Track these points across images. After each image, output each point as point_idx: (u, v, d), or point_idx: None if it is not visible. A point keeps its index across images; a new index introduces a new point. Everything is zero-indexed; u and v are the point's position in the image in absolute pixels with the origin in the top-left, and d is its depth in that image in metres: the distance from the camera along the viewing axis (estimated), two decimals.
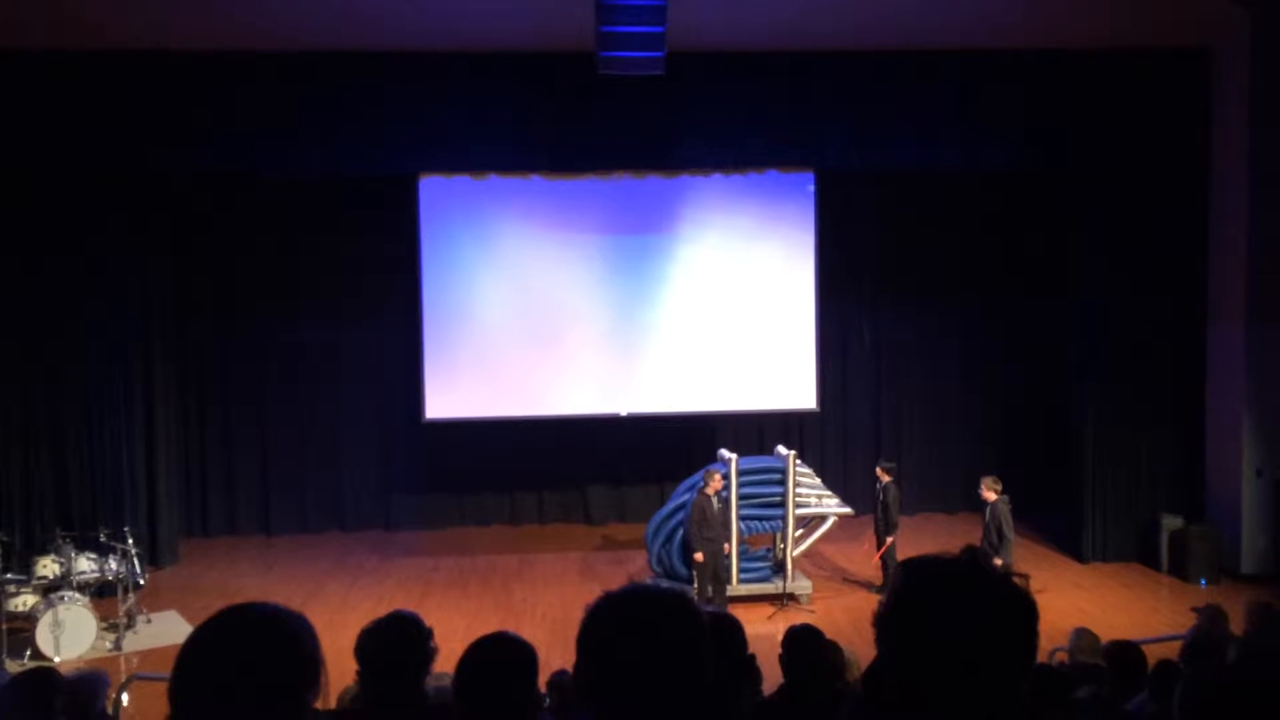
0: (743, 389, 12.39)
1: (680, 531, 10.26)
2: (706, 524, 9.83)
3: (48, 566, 9.40)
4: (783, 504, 10.49)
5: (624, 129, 11.28)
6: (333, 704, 4.36)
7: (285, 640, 1.73)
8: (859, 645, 6.61)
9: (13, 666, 8.15)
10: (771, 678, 4.41)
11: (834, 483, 11.88)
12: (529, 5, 10.06)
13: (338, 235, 13.06)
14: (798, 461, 10.65)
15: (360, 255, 13.09)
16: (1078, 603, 10.41)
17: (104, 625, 9.46)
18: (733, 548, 10.26)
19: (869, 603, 9.84)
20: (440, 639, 3.39)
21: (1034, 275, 13.62)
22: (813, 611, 10.09)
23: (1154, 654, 5.54)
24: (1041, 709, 4.25)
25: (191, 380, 13.15)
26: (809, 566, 11.36)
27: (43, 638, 8.89)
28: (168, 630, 9.69)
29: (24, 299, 11.17)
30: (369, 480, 13.54)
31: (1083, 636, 6.28)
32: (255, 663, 1.68)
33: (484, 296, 12.21)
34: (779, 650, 4.27)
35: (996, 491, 9.79)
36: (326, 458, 13.45)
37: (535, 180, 12.08)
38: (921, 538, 12.09)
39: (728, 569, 10.23)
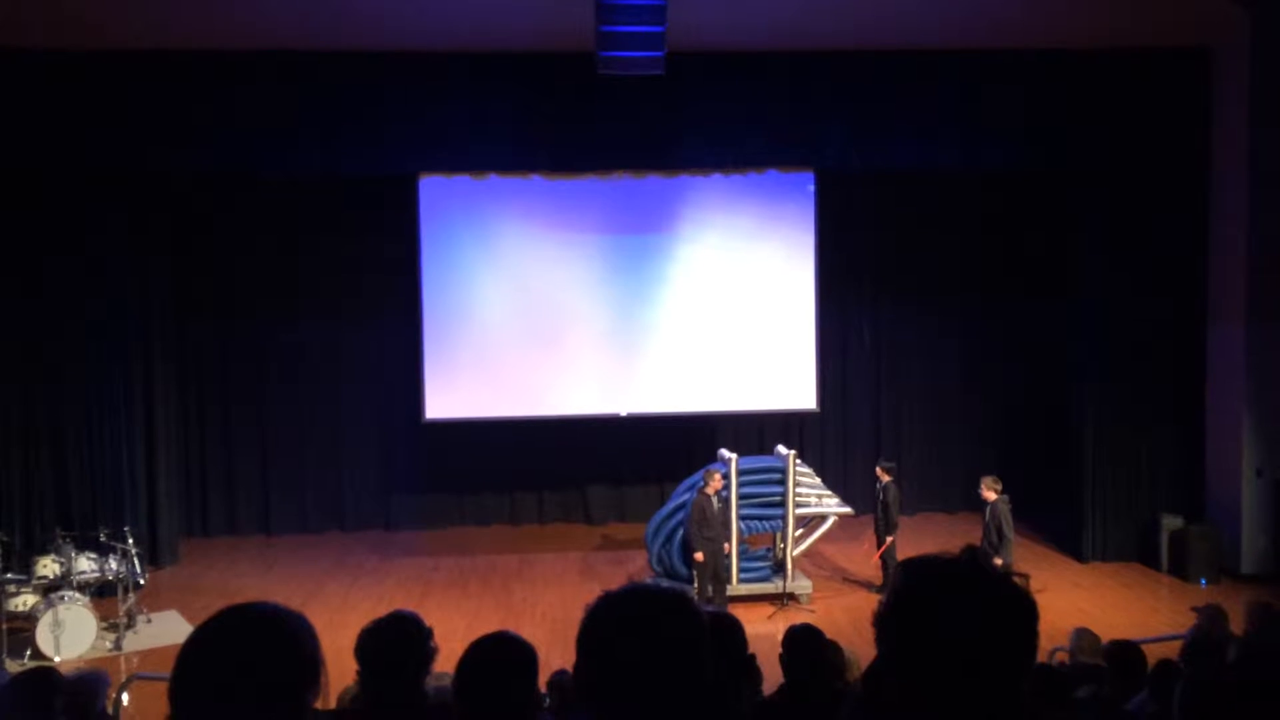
0: (743, 389, 12.39)
1: (680, 531, 10.26)
2: (706, 524, 9.83)
3: (48, 566, 9.40)
4: (783, 504, 10.49)
5: (624, 129, 11.28)
6: (333, 704, 4.36)
7: (285, 640, 1.73)
8: (859, 645, 6.61)
9: (13, 666, 8.15)
10: (771, 677, 4.41)
11: (834, 482, 11.88)
12: (529, 5, 10.06)
13: (338, 235, 13.06)
14: (798, 461, 10.65)
15: (360, 255, 13.09)
16: (1078, 602, 10.41)
17: (104, 625, 9.46)
18: (733, 547, 10.26)
19: (869, 602, 9.84)
20: (440, 639, 3.39)
21: (1034, 275, 13.62)
22: (813, 611, 10.09)
23: (1154, 654, 5.54)
24: (1041, 709, 4.25)
25: (191, 380, 13.15)
26: (809, 566, 11.36)
27: (43, 637, 8.89)
28: (168, 630, 9.69)
29: (24, 299, 11.17)
30: (369, 480, 13.54)
31: (1083, 637, 6.28)
32: (255, 663, 1.68)
33: (484, 296, 12.21)
34: (779, 650, 4.27)
35: (996, 491, 9.79)
36: (326, 458, 13.45)
37: (535, 180, 12.08)
38: (921, 537, 12.08)
39: (728, 569, 10.23)
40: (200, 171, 11.63)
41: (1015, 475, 11.40)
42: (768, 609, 10.16)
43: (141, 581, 10.27)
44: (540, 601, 10.58)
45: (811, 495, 10.79)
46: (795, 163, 12.01)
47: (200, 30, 10.45)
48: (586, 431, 12.85)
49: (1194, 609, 7.43)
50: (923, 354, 13.99)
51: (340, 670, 2.63)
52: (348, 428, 13.44)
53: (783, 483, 10.48)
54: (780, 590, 10.36)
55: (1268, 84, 10.91)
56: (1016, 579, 1.66)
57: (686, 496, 10.31)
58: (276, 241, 13.05)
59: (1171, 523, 11.49)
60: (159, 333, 12.18)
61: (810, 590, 10.58)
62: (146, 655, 9.20)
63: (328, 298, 13.23)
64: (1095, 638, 6.26)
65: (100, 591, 9.88)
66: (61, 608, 8.98)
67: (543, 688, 4.30)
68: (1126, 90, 11.48)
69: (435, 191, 12.05)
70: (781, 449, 10.94)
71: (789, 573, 10.46)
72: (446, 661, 3.13)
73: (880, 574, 10.82)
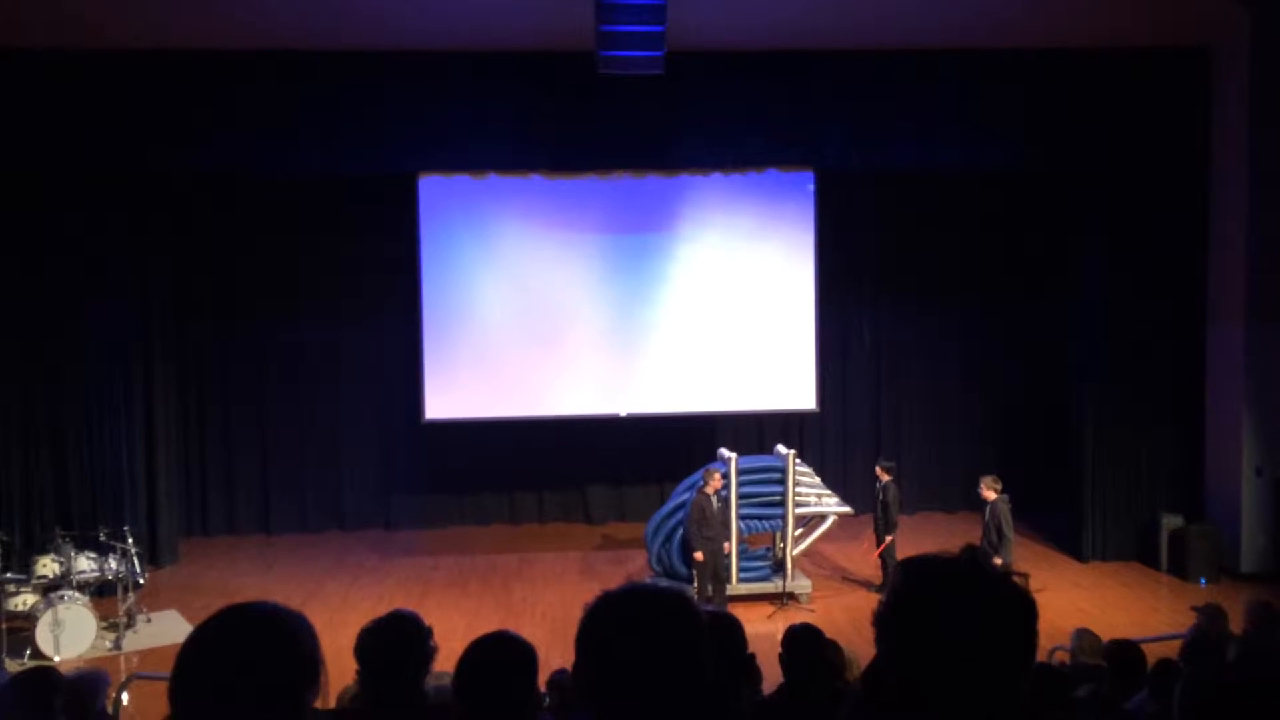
0: (743, 389, 12.39)
1: (680, 531, 10.26)
2: (706, 523, 9.83)
3: (47, 566, 9.40)
4: (782, 503, 10.49)
5: (624, 128, 11.27)
6: (332, 703, 4.36)
7: (285, 640, 1.73)
8: (859, 644, 6.61)
9: (13, 666, 8.15)
10: (771, 677, 4.41)
11: (834, 482, 11.88)
12: (529, 5, 10.06)
13: (338, 235, 13.06)
14: (797, 461, 10.65)
15: (360, 255, 13.09)
16: (1077, 602, 10.42)
17: (104, 624, 9.46)
18: (732, 547, 10.26)
19: (869, 602, 9.84)
20: (440, 638, 3.39)
21: (1034, 275, 13.62)
22: (812, 610, 10.09)
23: (1154, 653, 5.54)
24: (1041, 708, 4.25)
25: (191, 380, 13.15)
26: (809, 566, 11.36)
27: (43, 637, 8.89)
28: (168, 630, 9.69)
29: (24, 299, 11.17)
30: (369, 480, 13.54)
31: (1084, 637, 6.28)
32: (255, 662, 1.68)
33: (484, 296, 12.21)
34: (779, 649, 4.27)
35: (996, 491, 9.79)
36: (326, 458, 13.45)
37: (535, 179, 12.08)
38: (921, 537, 12.09)
39: (727, 568, 10.23)
40: (200, 171, 11.64)
41: (1015, 475, 11.40)
42: (767, 608, 10.16)
43: (141, 581, 10.27)
44: (540, 601, 10.58)
45: (811, 495, 10.79)
46: (795, 162, 12.00)
47: (200, 30, 10.45)
48: (586, 431, 12.85)
49: (1194, 608, 7.42)
50: (923, 354, 13.99)
51: (340, 670, 2.63)
52: (348, 428, 13.44)
53: (782, 482, 10.48)
54: (780, 590, 10.36)
55: (1268, 84, 10.90)
56: (1016, 578, 1.66)
57: (686, 496, 10.31)
58: (276, 241, 13.05)
59: (1171, 522, 11.50)
60: (159, 333, 12.18)
61: (810, 590, 10.58)
62: (146, 655, 9.20)
63: (328, 298, 13.23)
64: (1096, 638, 6.26)
65: (100, 591, 9.89)
66: (61, 607, 8.98)
67: (543, 687, 4.30)
68: (1126, 90, 11.48)
69: (435, 191, 12.05)
70: (781, 448, 10.94)
71: (789, 572, 10.46)
72: (446, 661, 3.13)
73: (880, 573, 10.82)
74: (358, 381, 13.38)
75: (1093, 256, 11.87)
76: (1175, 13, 10.91)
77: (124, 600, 9.55)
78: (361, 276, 13.18)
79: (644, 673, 1.66)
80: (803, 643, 4.26)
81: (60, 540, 9.61)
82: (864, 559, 11.38)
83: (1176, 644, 5.65)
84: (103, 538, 9.82)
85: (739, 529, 10.37)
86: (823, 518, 10.88)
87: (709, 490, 9.90)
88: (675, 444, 13.06)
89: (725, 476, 10.19)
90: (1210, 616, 6.61)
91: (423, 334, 12.10)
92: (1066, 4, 10.64)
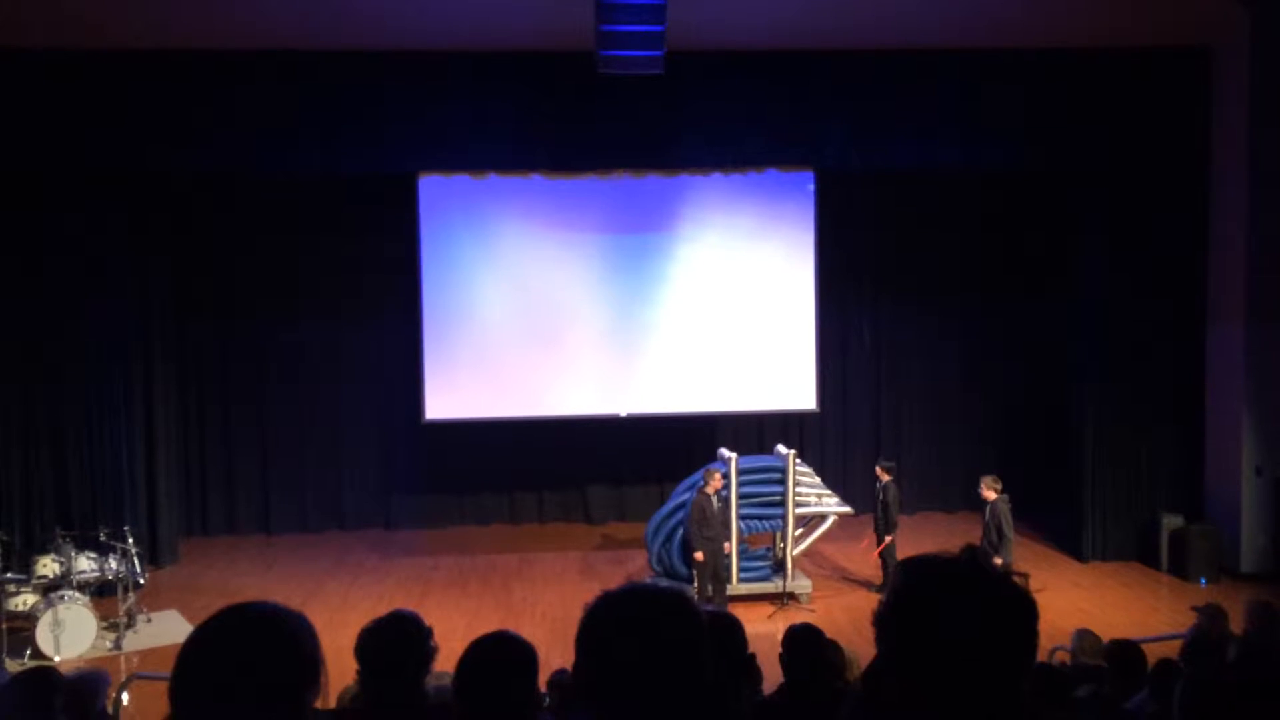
0: (743, 389, 12.39)
1: (680, 531, 10.26)
2: (706, 523, 9.83)
3: (48, 566, 9.40)
4: (782, 503, 10.49)
5: (624, 128, 11.27)
6: (333, 703, 4.36)
7: (285, 640, 1.73)
8: (859, 644, 6.61)
9: (13, 666, 8.15)
10: (771, 677, 4.41)
11: (834, 482, 11.88)
12: (529, 5, 10.06)
13: (338, 235, 13.06)
14: (797, 460, 10.65)
15: (360, 255, 13.09)
16: (1077, 602, 10.42)
17: (104, 624, 9.46)
18: (733, 547, 10.26)
19: (869, 602, 9.84)
20: (440, 638, 3.39)
21: (1034, 275, 13.62)
22: (813, 610, 10.09)
23: (1154, 653, 5.54)
24: (1041, 708, 4.25)
25: (191, 380, 13.15)
26: (809, 566, 11.36)
27: (43, 637, 8.89)
28: (168, 630, 9.70)
29: (24, 299, 11.17)
30: (369, 480, 13.54)
31: (1084, 638, 6.28)
32: (255, 662, 1.68)
33: (484, 296, 12.21)
34: (779, 649, 4.27)
35: (996, 491, 9.79)
36: (326, 458, 13.45)
37: (535, 179, 12.08)
38: (921, 537, 12.09)
39: (728, 568, 10.23)
40: (200, 171, 11.63)
41: (1015, 475, 11.41)
42: (767, 608, 10.16)
43: (141, 581, 10.27)
44: (540, 601, 10.58)
45: (811, 495, 10.79)
46: (795, 162, 12.00)
47: (200, 30, 10.45)
48: (586, 431, 12.85)
49: (1194, 608, 7.42)
50: (923, 354, 13.99)
51: (340, 670, 2.63)
52: (348, 428, 13.44)
53: (782, 482, 10.48)
54: (780, 590, 10.36)
55: (1268, 84, 10.90)
56: (1016, 578, 1.66)
57: (686, 496, 10.31)
58: (276, 241, 13.05)
59: (1171, 522, 11.50)
60: (159, 333, 12.18)
61: (810, 590, 10.58)
62: (146, 655, 9.20)
63: (328, 298, 13.23)
64: (1096, 639, 6.26)
65: (100, 591, 9.89)
66: (61, 607, 8.98)
67: (543, 687, 4.30)
68: (1126, 90, 11.48)
69: (435, 191, 12.05)
70: (781, 448, 10.94)
71: (789, 572, 10.46)
72: (446, 661, 3.13)
73: (880, 573, 10.82)
74: (358, 381, 13.38)
75: (1093, 256, 11.87)
76: (1175, 13, 10.91)
77: (124, 600, 9.55)
78: (361, 276, 13.18)
79: (644, 673, 1.66)
80: (803, 643, 4.26)
81: (60, 540, 9.61)
82: (864, 559, 11.38)
83: (1177, 644, 5.65)
84: (103, 538, 9.83)
85: (739, 529, 10.37)
86: (823, 518, 10.88)
87: (709, 490, 9.90)
88: (675, 444, 13.06)
89: (725, 476, 10.18)
90: (1210, 616, 6.61)
91: (423, 334, 12.10)
92: (1066, 4, 10.64)
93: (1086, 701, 4.90)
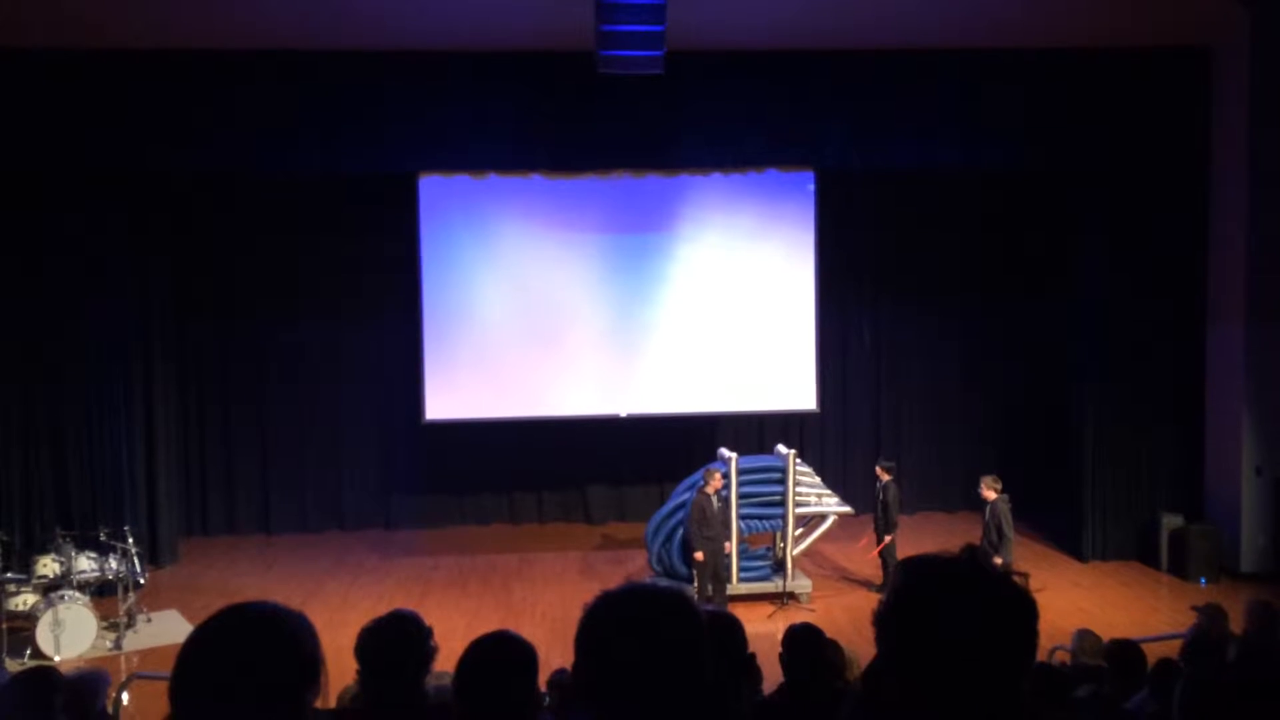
0: (743, 389, 12.39)
1: (680, 530, 10.26)
2: (706, 523, 9.83)
3: (48, 566, 9.40)
4: (783, 503, 10.49)
5: (624, 128, 11.27)
6: (333, 703, 4.36)
7: (285, 639, 1.73)
8: (859, 644, 6.61)
9: (13, 665, 8.15)
10: (771, 677, 4.41)
11: (834, 482, 11.88)
12: (529, 5, 10.06)
13: (338, 235, 13.06)
14: (797, 460, 10.65)
15: (360, 255, 13.10)
16: (1077, 601, 10.42)
17: (104, 624, 9.46)
18: (733, 547, 10.26)
19: (869, 601, 9.84)
20: (440, 638, 3.39)
21: (1034, 275, 13.62)
22: (813, 610, 10.09)
23: (1154, 653, 5.54)
24: (1041, 708, 4.25)
25: (191, 380, 13.15)
26: (809, 565, 11.36)
27: (43, 637, 8.89)
28: (168, 629, 9.70)
29: (24, 299, 11.17)
30: (369, 480, 13.54)
31: (1085, 638, 6.28)
32: (255, 662, 1.68)
33: (484, 296, 12.21)
34: (779, 649, 4.27)
35: (996, 490, 9.79)
36: (326, 458, 13.45)
37: (535, 179, 12.08)
38: (921, 537, 12.10)
39: (728, 568, 10.23)
40: (200, 171, 11.64)
41: (1015, 475, 11.41)
42: (768, 608, 10.16)
43: (141, 581, 10.27)
44: (540, 601, 10.58)
45: (811, 494, 10.79)
46: (795, 162, 12.00)
47: (200, 30, 10.45)
48: (586, 432, 12.85)
49: (1194, 608, 7.42)
50: (923, 354, 13.99)
51: (340, 670, 2.63)
52: (348, 428, 13.44)
53: (783, 482, 10.48)
54: (780, 589, 10.36)
55: (1268, 83, 10.90)
56: (1016, 578, 1.66)
57: (686, 496, 10.31)
58: (276, 241, 13.05)
59: (1171, 522, 11.50)
60: (159, 333, 12.18)
61: (810, 589, 10.58)
62: (146, 654, 9.20)
63: (328, 298, 13.23)
64: (1097, 639, 6.26)
65: (100, 591, 9.89)
66: (61, 607, 8.98)
67: (543, 687, 4.30)
68: (1126, 90, 11.48)
69: (435, 191, 12.05)
70: (781, 448, 10.94)
71: (789, 572, 10.47)
72: (446, 661, 3.13)
73: (880, 573, 10.82)
74: (358, 381, 13.38)
75: (1093, 256, 11.87)
76: (1175, 13, 10.91)
77: (124, 600, 9.55)
78: (361, 276, 13.18)
79: (644, 673, 1.65)
80: (803, 642, 4.26)
81: (60, 540, 9.62)
82: (864, 559, 11.38)
83: (1177, 644, 5.65)
84: (103, 537, 9.83)
85: (739, 529, 10.37)
86: (823, 517, 10.88)
87: (709, 490, 9.90)
88: (675, 444, 13.05)
89: (725, 476, 10.18)
90: (1210, 616, 6.61)
91: (423, 334, 12.10)
92: (1066, 4, 10.64)
93: (1086, 701, 4.90)
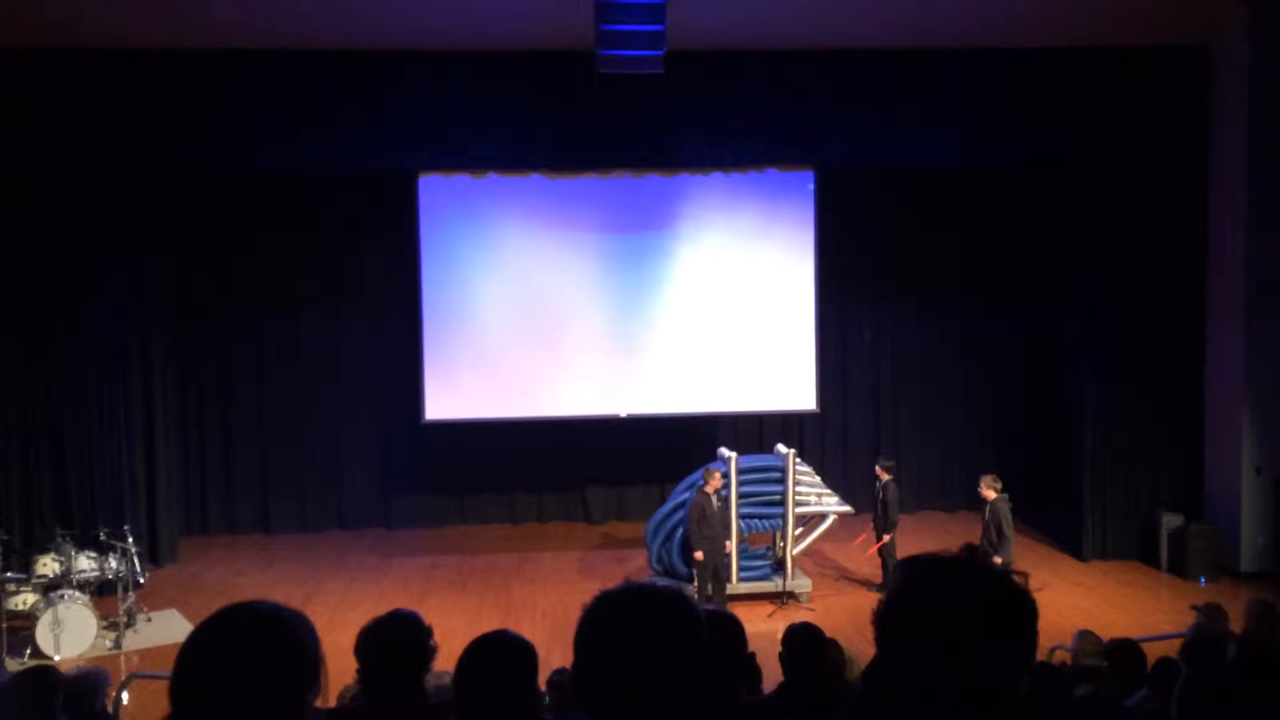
0: (743, 389, 12.39)
1: (680, 530, 10.26)
2: (706, 522, 9.82)
3: (48, 565, 9.40)
4: (782, 502, 10.49)
5: (624, 127, 11.28)
6: (333, 703, 4.37)
7: (285, 639, 1.73)
8: (859, 643, 6.62)
9: (13, 665, 8.16)
10: (771, 676, 4.41)
11: (834, 481, 11.88)
12: (529, 5, 10.06)
13: (338, 235, 13.07)
14: (797, 460, 10.65)
15: (360, 255, 13.10)
16: (1077, 601, 10.42)
17: (104, 624, 9.46)
18: (732, 546, 10.26)
19: (869, 601, 9.81)
20: (440, 638, 3.39)
21: (1034, 275, 13.61)
22: (812, 610, 10.09)
23: (1154, 652, 5.54)
24: (1041, 707, 4.25)
25: (191, 380, 13.15)
26: (809, 565, 11.36)
27: (43, 636, 8.90)
28: (168, 629, 9.70)
29: (24, 299, 11.17)
30: (369, 480, 13.54)
31: (1085, 639, 6.27)
32: (255, 662, 1.68)
33: (484, 296, 12.21)
34: (779, 648, 4.27)
35: (996, 490, 9.79)
36: (326, 458, 13.45)
37: (535, 179, 12.08)
38: (921, 536, 12.11)
39: (728, 567, 10.23)
40: (200, 171, 11.63)
41: (1015, 474, 11.40)
42: (767, 607, 10.16)
43: (141, 580, 10.27)
44: (540, 601, 10.58)
45: (811, 494, 10.79)
46: (795, 161, 12.01)
47: (201, 29, 10.44)
48: (586, 432, 12.85)
49: (1193, 607, 7.42)
50: (922, 354, 13.99)
51: (340, 669, 2.63)
52: (348, 428, 13.44)
53: (782, 481, 10.48)
54: (780, 589, 10.36)
55: (1268, 83, 10.90)
56: (1016, 577, 1.65)
57: (686, 495, 10.31)
58: (276, 241, 13.05)
59: (1171, 521, 11.50)
60: (159, 333, 12.18)
61: (810, 589, 10.58)
62: (146, 654, 9.21)
63: (328, 298, 13.23)
64: (1098, 640, 6.26)
65: (100, 590, 9.88)
66: (61, 606, 8.98)
67: (543, 687, 4.30)
68: (1126, 89, 11.48)
69: (435, 190, 12.05)
70: (781, 448, 10.94)
71: (789, 571, 10.47)
72: (446, 660, 3.13)
73: (880, 572, 10.82)
74: (358, 381, 13.38)
75: (1093, 256, 11.86)
76: (1175, 12, 10.91)
77: (124, 599, 9.55)
78: (361, 276, 13.19)
79: (643, 672, 1.65)
80: (803, 642, 4.26)
81: (60, 539, 9.62)
82: (864, 558, 11.39)
83: (1177, 643, 5.64)
84: (103, 537, 9.83)
85: (739, 528, 10.37)
86: (823, 517, 10.88)
87: (709, 489, 9.90)
88: (675, 444, 13.05)
89: (725, 475, 10.18)
90: (1210, 615, 6.61)
91: (423, 334, 12.11)
92: (1066, 3, 10.63)
93: (1086, 701, 4.90)
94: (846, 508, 10.91)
